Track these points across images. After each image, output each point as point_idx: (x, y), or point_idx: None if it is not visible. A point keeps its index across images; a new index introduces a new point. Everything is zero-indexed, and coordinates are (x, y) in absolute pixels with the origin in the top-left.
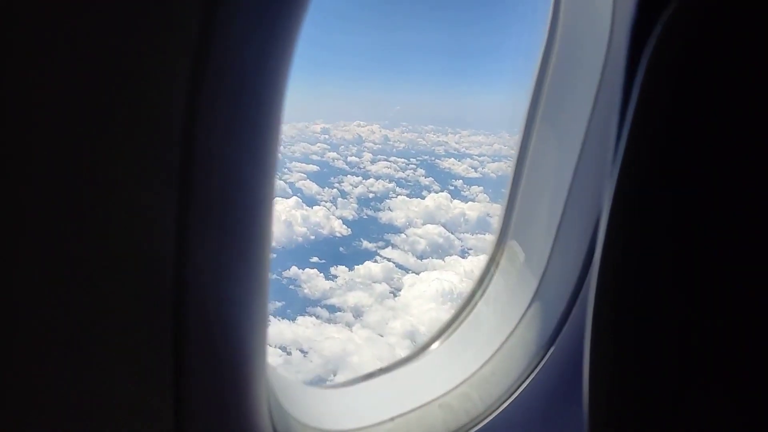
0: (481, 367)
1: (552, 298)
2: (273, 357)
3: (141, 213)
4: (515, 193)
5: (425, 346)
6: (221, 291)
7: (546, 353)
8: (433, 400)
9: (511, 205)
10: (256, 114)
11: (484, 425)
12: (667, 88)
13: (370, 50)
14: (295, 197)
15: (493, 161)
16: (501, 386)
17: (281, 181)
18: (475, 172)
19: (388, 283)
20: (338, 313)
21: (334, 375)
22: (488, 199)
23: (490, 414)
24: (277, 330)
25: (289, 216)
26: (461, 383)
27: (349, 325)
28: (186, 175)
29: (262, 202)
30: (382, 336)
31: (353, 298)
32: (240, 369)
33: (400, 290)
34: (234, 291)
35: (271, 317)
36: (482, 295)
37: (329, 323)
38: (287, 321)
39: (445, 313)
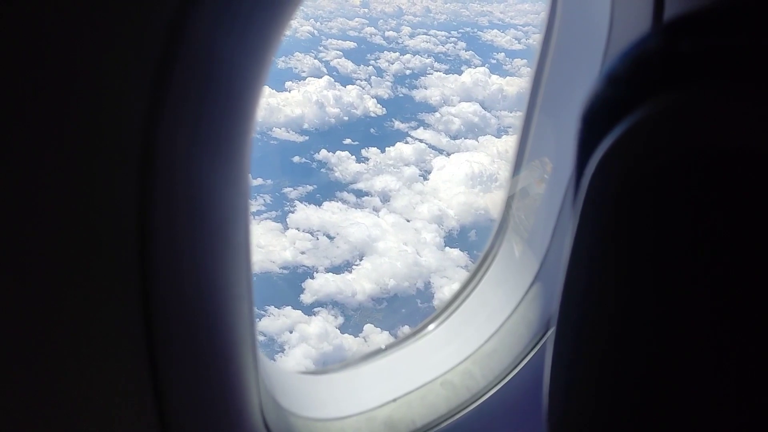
0: (484, 343)
1: (554, 277)
2: (302, 242)
3: (103, 196)
4: (516, 178)
5: (426, 325)
6: (196, 274)
7: (547, 330)
8: (435, 379)
9: (513, 188)
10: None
11: (485, 400)
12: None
13: None
14: (327, 77)
15: (539, 32)
16: (503, 362)
17: (316, 60)
18: (519, 43)
19: (417, 166)
20: (366, 197)
21: (361, 260)
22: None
23: (491, 389)
24: (305, 215)
25: (320, 97)
26: (463, 360)
27: (376, 210)
28: (147, 184)
29: (235, 211)
30: (409, 221)
31: (381, 182)
32: (224, 364)
33: (430, 173)
34: (211, 275)
35: (298, 202)
36: (485, 274)
37: (356, 208)
38: (314, 206)
39: (475, 197)
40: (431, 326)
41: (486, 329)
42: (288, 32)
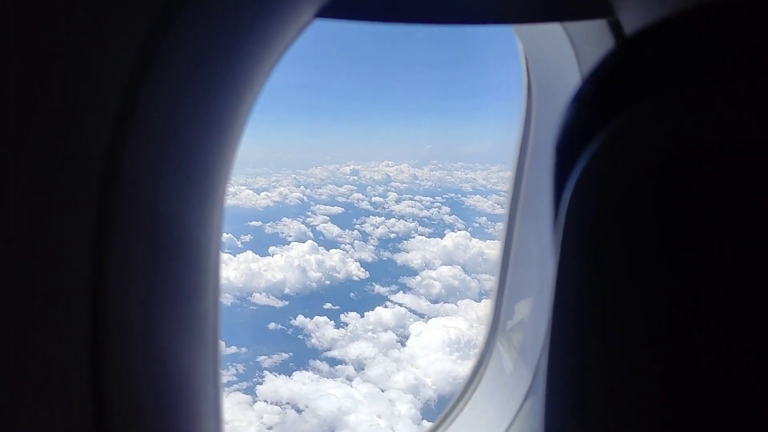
0: None
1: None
2: (270, 416)
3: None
4: (503, 285)
5: None
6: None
7: None
8: None
9: (499, 298)
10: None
11: None
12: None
13: (402, 90)
14: (310, 241)
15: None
16: None
17: (303, 225)
18: (501, 208)
19: (396, 332)
20: (339, 366)
21: None
22: None
23: None
24: (274, 386)
25: (302, 261)
26: None
27: (349, 379)
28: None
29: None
30: (383, 391)
31: (356, 349)
32: None
33: (408, 338)
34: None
35: (267, 372)
36: (475, 390)
37: (329, 377)
38: (284, 376)
39: (452, 364)
40: None
41: None
42: (277, 199)
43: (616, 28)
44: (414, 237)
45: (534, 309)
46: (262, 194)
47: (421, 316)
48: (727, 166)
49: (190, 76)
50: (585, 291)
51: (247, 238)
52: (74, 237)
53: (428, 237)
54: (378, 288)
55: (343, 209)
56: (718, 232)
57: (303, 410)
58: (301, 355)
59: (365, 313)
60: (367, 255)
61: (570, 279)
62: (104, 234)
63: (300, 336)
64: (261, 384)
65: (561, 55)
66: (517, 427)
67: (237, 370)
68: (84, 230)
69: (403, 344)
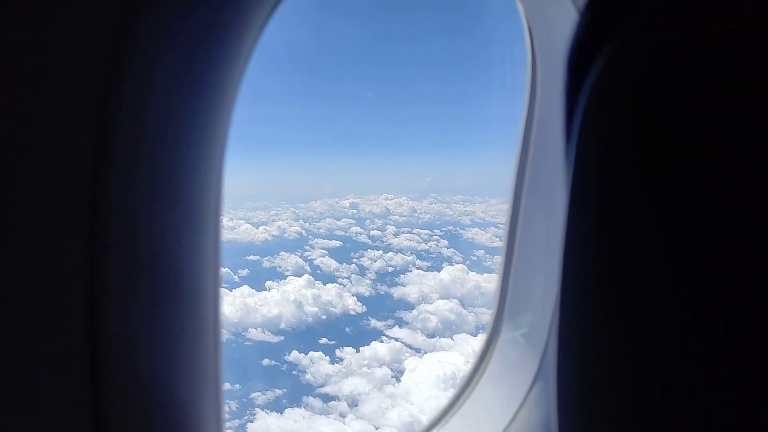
0: None
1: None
2: None
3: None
4: (509, 269)
5: None
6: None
7: None
8: None
9: (505, 282)
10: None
11: None
12: (604, 130)
13: (402, 123)
14: (307, 275)
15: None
16: None
17: (300, 259)
18: (500, 240)
19: (391, 367)
20: (332, 402)
21: None
22: None
23: None
24: (265, 424)
25: (298, 296)
26: None
27: (342, 416)
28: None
29: (199, 272)
30: (377, 428)
31: (350, 385)
32: None
33: (403, 374)
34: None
35: (258, 410)
36: (482, 376)
37: (321, 414)
38: (276, 413)
39: (447, 401)
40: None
41: None
42: (276, 233)
43: None
44: (411, 270)
45: (541, 292)
46: (261, 228)
47: (417, 350)
48: (738, 54)
49: (166, 60)
50: (597, 225)
51: (244, 272)
52: (69, 278)
53: (426, 270)
54: (374, 322)
55: (341, 243)
56: (739, 143)
57: None
58: (295, 392)
59: (361, 348)
60: (365, 289)
61: (582, 209)
62: (100, 272)
63: (294, 372)
64: (252, 422)
65: (566, 24)
66: (524, 414)
67: (229, 407)
68: (79, 272)
69: (398, 380)
